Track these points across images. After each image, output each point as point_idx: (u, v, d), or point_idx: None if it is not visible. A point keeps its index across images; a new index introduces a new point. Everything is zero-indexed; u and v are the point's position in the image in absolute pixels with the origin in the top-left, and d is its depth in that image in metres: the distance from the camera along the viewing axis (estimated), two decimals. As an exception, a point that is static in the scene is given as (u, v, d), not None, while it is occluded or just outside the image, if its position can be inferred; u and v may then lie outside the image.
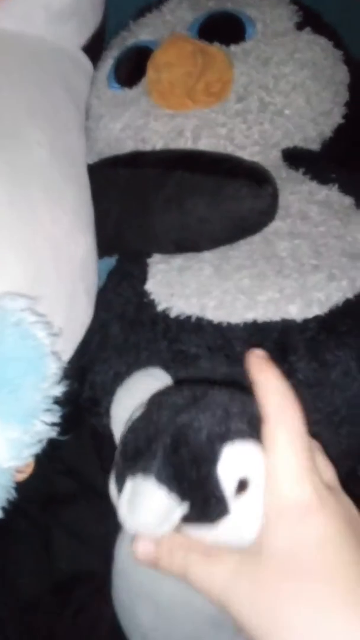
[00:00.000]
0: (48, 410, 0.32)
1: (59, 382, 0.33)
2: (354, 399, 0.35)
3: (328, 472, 0.25)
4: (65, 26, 0.49)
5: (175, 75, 0.44)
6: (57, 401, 0.33)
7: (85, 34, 0.52)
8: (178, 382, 0.29)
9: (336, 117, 0.49)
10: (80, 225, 0.43)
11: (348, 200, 0.44)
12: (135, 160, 0.46)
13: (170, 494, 0.23)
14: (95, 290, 0.43)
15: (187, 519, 0.23)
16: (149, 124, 0.47)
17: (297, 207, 0.43)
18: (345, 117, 0.49)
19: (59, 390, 0.33)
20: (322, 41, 0.49)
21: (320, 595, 0.21)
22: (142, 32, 0.51)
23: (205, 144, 0.45)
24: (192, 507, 0.23)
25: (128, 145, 0.47)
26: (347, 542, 0.23)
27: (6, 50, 0.45)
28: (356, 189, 0.45)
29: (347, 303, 0.37)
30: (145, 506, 0.23)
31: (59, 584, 0.32)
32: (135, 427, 0.25)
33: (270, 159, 0.46)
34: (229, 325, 0.37)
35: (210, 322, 0.38)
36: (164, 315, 0.39)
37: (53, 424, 0.32)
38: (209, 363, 0.37)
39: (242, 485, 0.23)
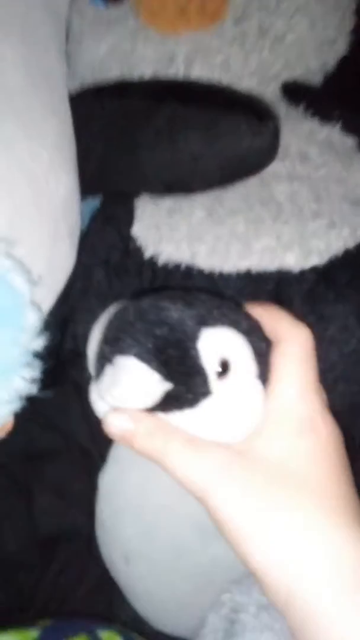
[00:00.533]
0: (28, 364, 0.30)
1: (39, 334, 0.31)
2: (351, 356, 0.34)
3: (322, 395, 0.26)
4: None
5: (166, -9, 0.40)
6: (38, 355, 0.30)
7: None
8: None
9: (340, 47, 0.45)
10: (61, 161, 0.39)
11: (351, 141, 0.42)
12: (122, 90, 0.42)
13: (151, 371, 0.23)
14: (78, 234, 0.40)
15: (170, 403, 0.23)
16: (137, 48, 0.42)
17: (297, 148, 0.41)
18: (350, 47, 0.45)
19: (39, 343, 0.31)
20: None
21: (308, 507, 0.22)
22: None
23: (198, 73, 0.41)
24: (174, 387, 0.23)
25: (113, 72, 0.43)
26: (340, 462, 0.23)
27: None
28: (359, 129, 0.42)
29: (348, 253, 0.35)
30: (125, 379, 0.23)
31: (43, 541, 0.31)
32: (114, 318, 0.25)
33: (268, 93, 0.43)
34: (221, 274, 0.35)
35: (201, 271, 0.36)
36: (152, 261, 0.37)
37: (33, 380, 0.30)
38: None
39: (224, 368, 0.23)
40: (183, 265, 0.36)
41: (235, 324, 0.24)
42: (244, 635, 0.26)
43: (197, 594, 0.28)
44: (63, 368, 0.37)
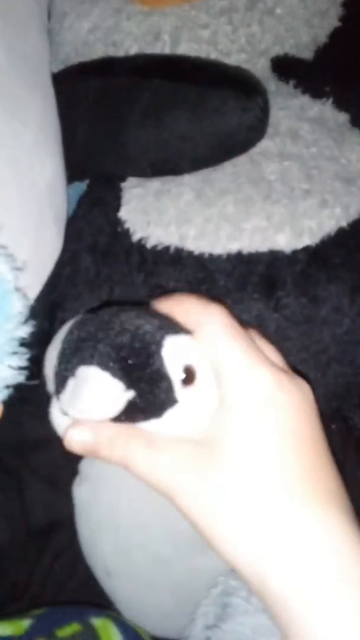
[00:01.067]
0: (14, 353, 0.29)
1: (26, 321, 0.30)
2: (344, 337, 0.33)
3: (276, 357, 0.24)
4: None
5: None
6: (24, 343, 0.30)
7: None
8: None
9: (332, 19, 0.44)
10: (45, 144, 0.38)
11: (343, 117, 0.41)
12: (106, 68, 0.41)
13: (114, 380, 0.22)
14: (65, 219, 0.39)
15: (135, 412, 0.23)
16: (121, 24, 0.41)
17: (287, 125, 0.40)
18: (342, 19, 0.44)
19: (25, 331, 0.30)
20: None
21: (267, 489, 0.21)
22: None
23: (185, 49, 0.40)
24: (139, 396, 0.22)
25: (98, 50, 0.42)
26: (302, 439, 0.22)
27: None
28: (352, 104, 0.41)
29: (340, 232, 0.34)
30: (88, 389, 0.22)
31: (35, 531, 0.31)
32: (74, 330, 0.24)
33: (258, 69, 0.42)
34: (211, 256, 0.34)
35: (190, 253, 0.35)
36: (140, 245, 0.36)
37: (20, 368, 0.29)
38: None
39: (188, 376, 0.23)
40: (172, 248, 0.35)
41: (187, 331, 0.24)
42: (235, 619, 0.25)
43: (180, 605, 0.28)
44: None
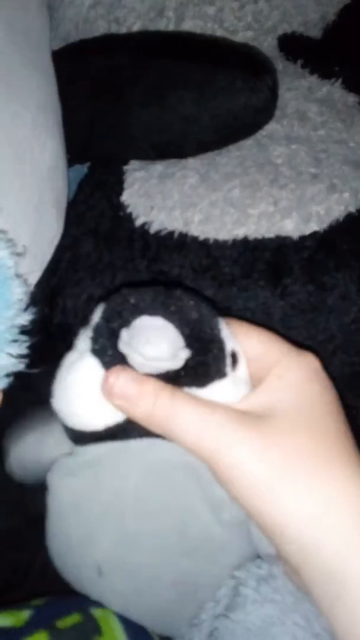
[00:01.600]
0: (14, 341, 0.29)
1: (26, 308, 0.29)
2: (351, 326, 0.33)
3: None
4: None
5: None
6: (25, 330, 0.29)
7: None
8: None
9: (342, -4, 0.42)
10: (46, 125, 0.37)
11: (352, 99, 0.40)
12: (108, 46, 0.39)
13: (178, 332, 0.22)
14: (65, 203, 0.39)
15: (184, 374, 0.23)
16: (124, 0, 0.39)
17: (295, 106, 0.38)
18: (352, -4, 0.43)
19: (26, 318, 0.29)
20: None
21: (321, 456, 0.22)
22: None
23: (190, 26, 0.39)
24: (194, 358, 0.23)
25: (99, 27, 0.41)
26: (339, 411, 0.24)
27: None
28: (362, 85, 0.40)
29: (349, 218, 0.34)
30: (159, 336, 0.22)
31: (35, 518, 0.31)
32: (123, 296, 0.24)
33: (264, 48, 0.40)
34: (217, 242, 0.34)
35: (195, 239, 0.34)
36: (143, 230, 0.35)
37: (21, 356, 0.29)
38: (193, 285, 0.33)
39: (234, 359, 0.24)
40: (176, 234, 0.34)
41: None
42: (244, 608, 0.25)
43: (182, 602, 0.27)
44: (52, 343, 0.36)
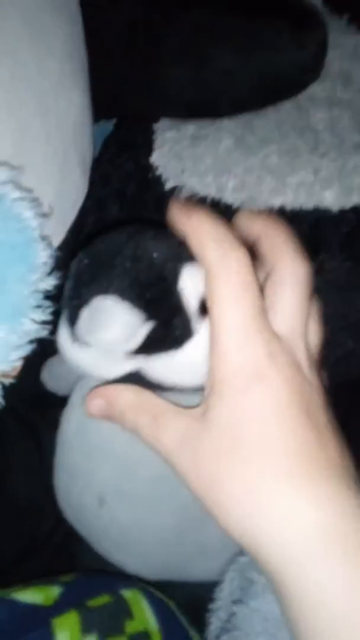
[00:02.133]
0: (38, 306, 0.27)
1: (50, 273, 0.28)
2: (390, 305, 0.31)
3: (314, 339, 0.24)
4: None
5: None
6: (49, 295, 0.28)
7: None
8: None
9: None
10: (72, 75, 0.35)
11: None
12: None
13: (134, 310, 0.22)
14: (90, 161, 0.37)
15: (152, 345, 0.23)
16: None
17: (339, 67, 0.36)
18: None
19: (50, 283, 0.28)
20: None
21: (256, 468, 0.21)
22: None
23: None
24: (158, 327, 0.22)
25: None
26: (292, 413, 0.21)
27: None
28: None
29: (393, 192, 0.32)
30: (109, 320, 0.22)
31: (54, 485, 0.30)
32: (88, 257, 0.24)
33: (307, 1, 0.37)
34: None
35: (228, 207, 0.32)
36: (173, 194, 0.33)
37: (44, 322, 0.27)
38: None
39: (204, 306, 0.22)
40: (209, 200, 0.32)
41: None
42: (264, 596, 0.25)
43: (182, 533, 0.27)
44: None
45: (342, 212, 0.31)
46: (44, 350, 0.30)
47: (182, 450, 0.22)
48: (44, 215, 0.29)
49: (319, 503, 0.20)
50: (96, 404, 0.25)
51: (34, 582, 0.27)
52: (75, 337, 0.24)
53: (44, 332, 0.28)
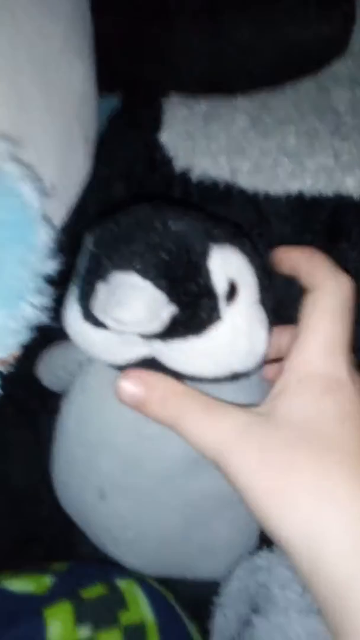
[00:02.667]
0: (38, 290, 0.26)
1: (52, 255, 0.26)
2: None
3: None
4: None
5: None
6: (49, 279, 0.26)
7: None
8: None
9: None
10: (77, 45, 0.33)
11: None
12: None
13: (157, 291, 0.20)
14: (94, 138, 0.34)
15: (173, 328, 0.21)
16: None
17: (361, 45, 0.34)
18: None
19: (51, 266, 0.26)
20: None
21: (333, 469, 0.21)
22: None
23: None
24: (182, 311, 0.21)
25: None
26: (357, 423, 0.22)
27: None
28: None
29: None
30: (131, 297, 0.20)
31: (51, 474, 0.29)
32: (108, 230, 0.22)
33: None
34: (267, 196, 0.31)
35: (242, 192, 0.31)
36: (183, 176, 0.32)
37: (44, 307, 0.26)
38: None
39: (232, 291, 0.22)
40: (221, 184, 0.31)
41: (240, 244, 0.22)
42: (287, 614, 0.24)
43: (186, 530, 0.26)
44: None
45: (364, 200, 0.30)
46: (45, 337, 0.28)
47: (244, 442, 0.21)
48: (46, 193, 0.27)
49: None
50: (130, 387, 0.23)
51: (27, 570, 0.26)
52: (87, 314, 0.22)
53: (43, 318, 0.26)
